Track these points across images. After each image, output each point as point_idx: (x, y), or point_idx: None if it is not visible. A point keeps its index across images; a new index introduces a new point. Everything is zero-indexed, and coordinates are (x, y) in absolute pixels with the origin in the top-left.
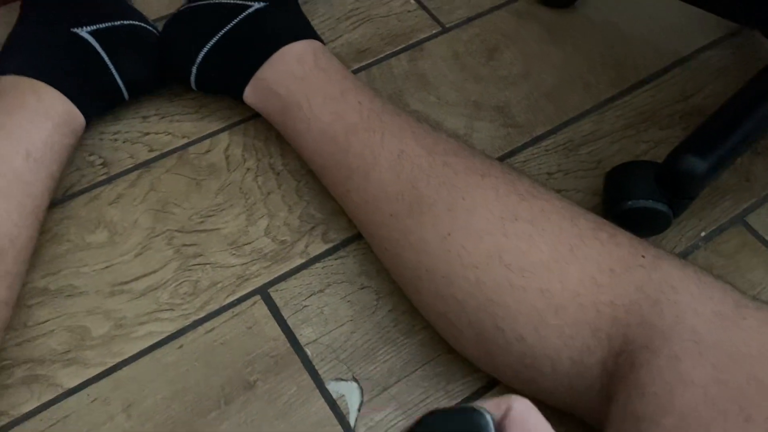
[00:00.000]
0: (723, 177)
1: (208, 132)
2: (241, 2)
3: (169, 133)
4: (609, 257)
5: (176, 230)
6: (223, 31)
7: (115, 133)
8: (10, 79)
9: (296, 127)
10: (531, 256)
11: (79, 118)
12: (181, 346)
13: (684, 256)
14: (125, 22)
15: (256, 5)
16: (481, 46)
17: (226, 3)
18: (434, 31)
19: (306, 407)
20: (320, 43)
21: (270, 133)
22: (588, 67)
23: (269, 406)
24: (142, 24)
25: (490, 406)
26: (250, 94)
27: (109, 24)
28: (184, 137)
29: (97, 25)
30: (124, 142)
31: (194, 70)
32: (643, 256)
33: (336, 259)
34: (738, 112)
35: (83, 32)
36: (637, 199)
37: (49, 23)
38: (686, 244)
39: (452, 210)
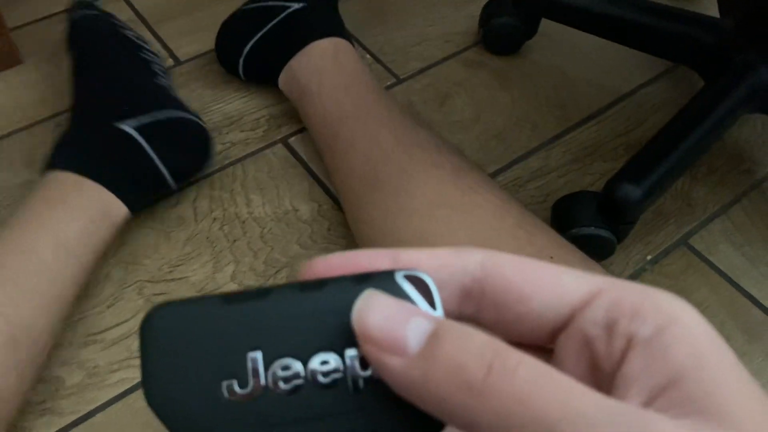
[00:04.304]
0: (666, 203)
1: None
2: (282, 3)
3: None
4: (517, 253)
5: (146, 280)
6: (263, 30)
7: None
8: (57, 175)
9: (307, 110)
10: (447, 241)
11: (120, 210)
12: None
13: (632, 279)
14: (166, 114)
15: (295, 6)
16: (434, 95)
17: (272, 5)
18: (390, 82)
19: None
20: (345, 41)
21: (235, 184)
22: (534, 108)
23: None
24: (182, 114)
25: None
26: (282, 81)
27: (151, 117)
28: None
29: (139, 119)
30: None
31: (241, 62)
32: (551, 257)
33: None
34: (668, 141)
35: (126, 127)
36: (581, 227)
37: (94, 120)
38: (634, 267)
39: (397, 192)
